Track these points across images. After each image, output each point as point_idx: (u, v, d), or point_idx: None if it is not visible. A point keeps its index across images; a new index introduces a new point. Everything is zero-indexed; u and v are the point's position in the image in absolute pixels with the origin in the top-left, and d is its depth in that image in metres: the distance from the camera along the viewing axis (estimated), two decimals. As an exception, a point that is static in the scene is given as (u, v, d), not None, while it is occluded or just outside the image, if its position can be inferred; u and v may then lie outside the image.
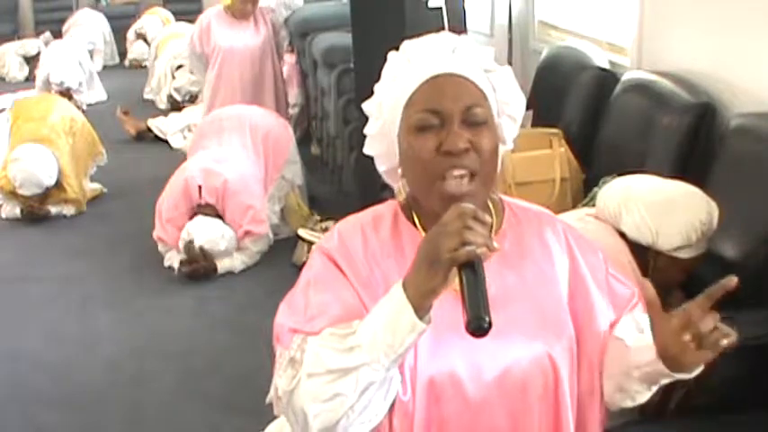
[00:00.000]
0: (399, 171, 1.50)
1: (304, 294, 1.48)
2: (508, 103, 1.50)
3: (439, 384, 1.45)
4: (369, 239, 1.51)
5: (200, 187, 4.81)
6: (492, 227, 1.51)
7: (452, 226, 1.29)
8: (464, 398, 1.46)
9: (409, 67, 1.47)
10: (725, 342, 1.32)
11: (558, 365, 1.49)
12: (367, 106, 1.53)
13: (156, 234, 4.91)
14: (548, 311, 1.51)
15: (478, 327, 1.25)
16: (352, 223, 1.55)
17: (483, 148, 1.42)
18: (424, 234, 1.49)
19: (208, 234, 4.73)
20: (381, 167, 1.56)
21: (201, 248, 4.72)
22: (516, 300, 1.49)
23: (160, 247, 4.92)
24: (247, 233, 4.86)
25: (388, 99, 1.49)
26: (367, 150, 1.55)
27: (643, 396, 1.53)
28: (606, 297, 1.57)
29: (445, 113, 1.42)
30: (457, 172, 1.40)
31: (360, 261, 1.48)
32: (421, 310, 1.31)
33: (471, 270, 1.28)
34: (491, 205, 1.53)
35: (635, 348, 1.48)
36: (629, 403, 1.56)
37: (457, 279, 1.30)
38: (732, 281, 1.33)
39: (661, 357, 1.39)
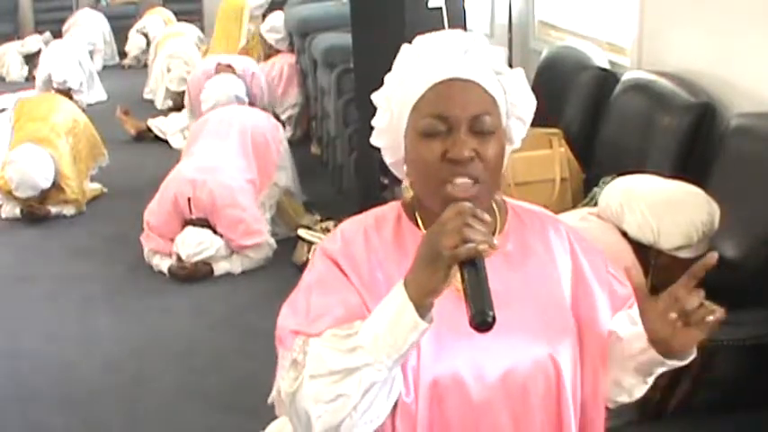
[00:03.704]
0: (405, 168, 1.49)
1: (306, 296, 1.47)
2: (518, 106, 1.49)
3: (442, 385, 1.44)
4: (371, 240, 1.50)
5: (189, 200, 4.78)
6: (495, 228, 1.51)
7: (451, 224, 1.28)
8: (467, 399, 1.45)
9: (419, 65, 1.45)
10: (711, 318, 1.34)
11: (560, 367, 1.49)
12: (376, 97, 1.51)
13: (145, 244, 4.92)
14: (551, 313, 1.51)
15: (483, 321, 1.25)
16: (355, 225, 1.54)
17: (488, 157, 1.41)
18: None
19: (193, 246, 4.73)
20: (388, 160, 1.55)
21: (188, 259, 4.74)
22: (519, 301, 1.49)
23: (146, 252, 4.93)
24: (243, 246, 4.84)
25: (396, 95, 1.47)
26: (374, 142, 1.53)
27: (639, 390, 1.54)
28: (607, 298, 1.58)
29: (452, 120, 1.40)
30: (460, 180, 1.40)
31: (362, 262, 1.48)
32: (422, 308, 1.31)
33: (473, 267, 1.28)
34: (495, 207, 1.53)
35: (627, 338, 1.49)
36: (625, 399, 1.57)
37: (458, 276, 1.29)
38: (713, 257, 1.35)
39: (652, 343, 1.41)
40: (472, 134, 1.40)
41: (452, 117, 1.40)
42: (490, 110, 1.42)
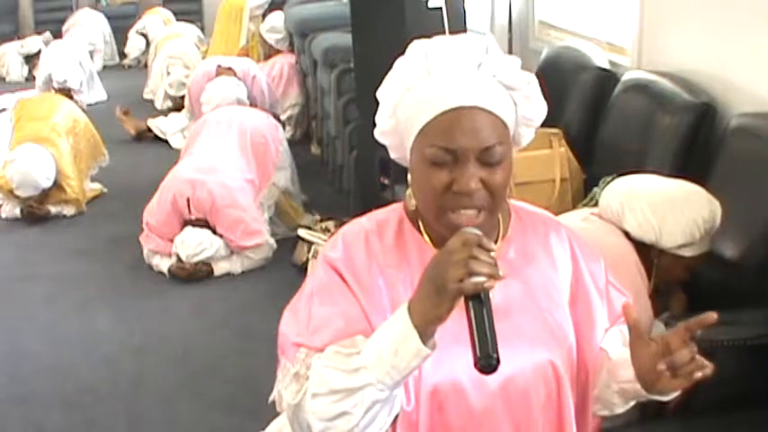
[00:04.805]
0: (409, 179, 1.48)
1: (308, 305, 1.48)
2: (529, 118, 1.47)
3: (442, 393, 1.45)
4: (373, 247, 1.50)
5: (188, 200, 4.77)
6: (498, 233, 1.51)
7: (458, 255, 1.27)
8: (467, 406, 1.46)
9: (429, 82, 1.40)
10: (699, 374, 1.34)
11: (560, 374, 1.49)
12: (381, 99, 1.47)
13: (145, 245, 4.92)
14: (551, 320, 1.51)
15: (487, 365, 1.26)
16: (357, 230, 1.53)
17: (496, 185, 1.39)
18: (429, 242, 1.49)
19: (193, 247, 4.72)
20: (393, 155, 1.54)
21: (187, 259, 4.73)
22: (520, 308, 1.49)
23: (146, 253, 4.92)
24: (243, 247, 4.83)
25: (404, 107, 1.43)
26: (378, 137, 1.51)
27: (620, 408, 1.55)
28: (605, 306, 1.58)
29: (460, 152, 1.37)
30: (465, 212, 1.38)
31: (363, 270, 1.47)
32: (426, 334, 1.31)
33: (478, 301, 1.28)
34: (498, 214, 1.52)
35: (617, 362, 1.49)
36: (605, 413, 1.58)
37: (463, 300, 1.30)
38: (711, 317, 1.34)
39: (637, 378, 1.42)
40: (480, 164, 1.38)
41: (460, 149, 1.37)
42: (501, 138, 1.40)
